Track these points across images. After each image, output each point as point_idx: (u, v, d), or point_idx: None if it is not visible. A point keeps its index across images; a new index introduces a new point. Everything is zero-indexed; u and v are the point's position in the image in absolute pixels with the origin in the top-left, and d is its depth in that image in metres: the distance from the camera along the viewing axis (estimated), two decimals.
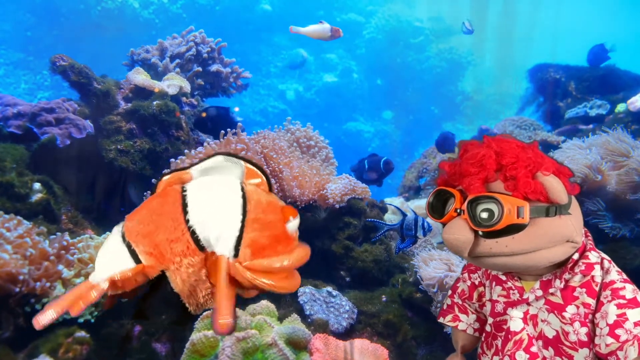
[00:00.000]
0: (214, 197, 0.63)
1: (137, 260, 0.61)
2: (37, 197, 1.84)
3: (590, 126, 3.06)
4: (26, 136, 2.03)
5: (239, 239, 0.61)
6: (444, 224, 0.75)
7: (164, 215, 0.62)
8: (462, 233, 0.69)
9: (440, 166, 0.78)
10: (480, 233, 0.70)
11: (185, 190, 0.64)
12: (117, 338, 1.55)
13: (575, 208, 0.73)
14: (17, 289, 1.43)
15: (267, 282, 0.60)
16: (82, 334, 1.42)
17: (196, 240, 0.61)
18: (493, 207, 0.68)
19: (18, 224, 1.59)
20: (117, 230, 0.64)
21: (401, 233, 1.70)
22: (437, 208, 0.77)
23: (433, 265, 1.87)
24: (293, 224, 0.65)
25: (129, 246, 0.62)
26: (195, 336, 1.39)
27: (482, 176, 0.69)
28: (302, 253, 0.65)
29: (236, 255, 0.61)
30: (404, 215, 1.71)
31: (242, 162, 0.67)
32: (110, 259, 0.62)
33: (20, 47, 8.08)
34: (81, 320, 1.46)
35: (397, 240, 2.44)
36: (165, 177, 0.67)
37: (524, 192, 0.67)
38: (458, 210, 0.71)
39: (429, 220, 1.74)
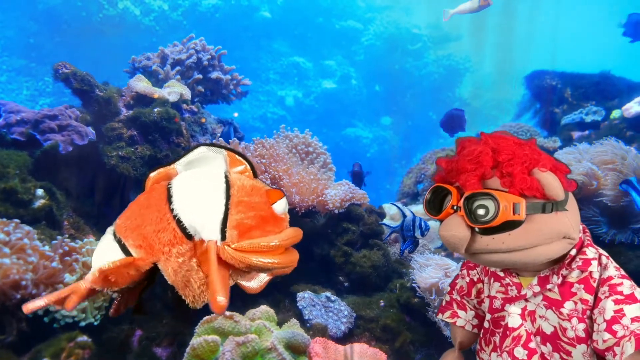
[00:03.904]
0: (197, 185, 0.65)
1: (128, 254, 0.62)
2: (39, 203, 1.86)
3: (586, 132, 3.09)
4: (29, 143, 2.05)
5: (224, 222, 0.62)
6: (441, 221, 0.74)
7: (150, 208, 0.64)
8: (459, 230, 0.69)
9: (437, 163, 0.78)
10: (477, 230, 0.70)
11: (170, 184, 0.65)
12: (118, 342, 1.56)
13: (572, 204, 0.73)
14: (19, 295, 1.45)
15: (264, 261, 0.61)
16: (84, 338, 1.44)
17: (183, 229, 0.62)
18: (489, 203, 0.67)
19: (16, 226, 1.60)
20: (109, 229, 0.66)
21: (402, 234, 1.72)
22: (435, 205, 0.77)
23: (429, 270, 1.89)
24: (280, 205, 0.66)
25: (119, 241, 0.63)
26: (195, 341, 1.40)
27: (479, 173, 0.69)
28: (293, 232, 0.66)
29: (223, 238, 0.62)
30: (404, 216, 1.73)
31: (224, 151, 0.68)
32: (103, 255, 0.63)
33: (22, 53, 8.14)
34: (83, 323, 1.48)
35: (396, 245, 2.47)
36: (152, 174, 0.68)
37: (520, 189, 0.67)
38: (455, 207, 0.71)
39: (427, 218, 1.75)
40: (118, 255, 0.62)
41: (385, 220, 2.55)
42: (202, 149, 0.68)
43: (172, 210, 0.62)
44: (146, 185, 0.69)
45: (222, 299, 0.56)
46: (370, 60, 10.72)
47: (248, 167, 0.69)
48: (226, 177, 0.65)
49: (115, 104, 2.39)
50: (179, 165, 0.68)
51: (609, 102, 3.14)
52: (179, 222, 0.62)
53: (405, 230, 1.69)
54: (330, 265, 2.21)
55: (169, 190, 0.64)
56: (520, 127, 3.56)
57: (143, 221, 0.63)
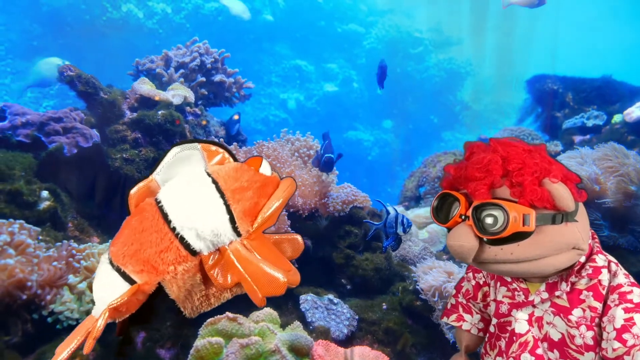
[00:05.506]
0: (188, 195, 0.63)
1: (130, 281, 0.61)
2: (44, 205, 1.87)
3: (588, 136, 3.10)
4: (34, 145, 2.07)
5: (233, 219, 0.61)
6: (448, 229, 0.74)
7: (146, 230, 0.62)
8: (467, 240, 0.68)
9: (445, 169, 0.77)
10: (485, 240, 0.69)
11: (159, 201, 0.63)
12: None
13: (582, 214, 0.72)
14: (25, 296, 1.46)
15: (275, 275, 0.61)
16: None
17: (186, 246, 0.61)
18: (498, 214, 0.66)
19: (20, 227, 1.61)
20: (104, 258, 0.64)
21: (385, 231, 1.73)
22: (442, 211, 0.75)
23: (433, 274, 1.90)
24: (265, 169, 0.66)
25: (118, 270, 0.61)
26: (199, 343, 1.41)
27: (488, 182, 0.68)
28: (287, 183, 0.66)
29: (239, 234, 0.62)
30: (388, 213, 1.73)
31: (198, 145, 0.66)
32: (106, 288, 0.62)
33: (26, 56, 8.18)
34: None
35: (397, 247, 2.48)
36: (132, 192, 0.66)
37: (531, 200, 0.66)
38: (463, 217, 0.70)
39: (424, 223, 1.74)
40: (120, 283, 0.61)
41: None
42: (175, 149, 0.66)
43: (173, 229, 0.61)
44: (130, 205, 0.66)
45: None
46: (372, 64, 10.71)
47: (226, 154, 0.68)
48: (209, 175, 0.64)
49: (120, 107, 2.41)
50: (157, 175, 0.66)
51: (610, 107, 3.15)
52: (181, 239, 0.61)
53: (388, 227, 1.69)
54: (332, 267, 2.22)
55: (161, 208, 0.62)
56: (521, 131, 3.58)
57: (141, 245, 0.61)
